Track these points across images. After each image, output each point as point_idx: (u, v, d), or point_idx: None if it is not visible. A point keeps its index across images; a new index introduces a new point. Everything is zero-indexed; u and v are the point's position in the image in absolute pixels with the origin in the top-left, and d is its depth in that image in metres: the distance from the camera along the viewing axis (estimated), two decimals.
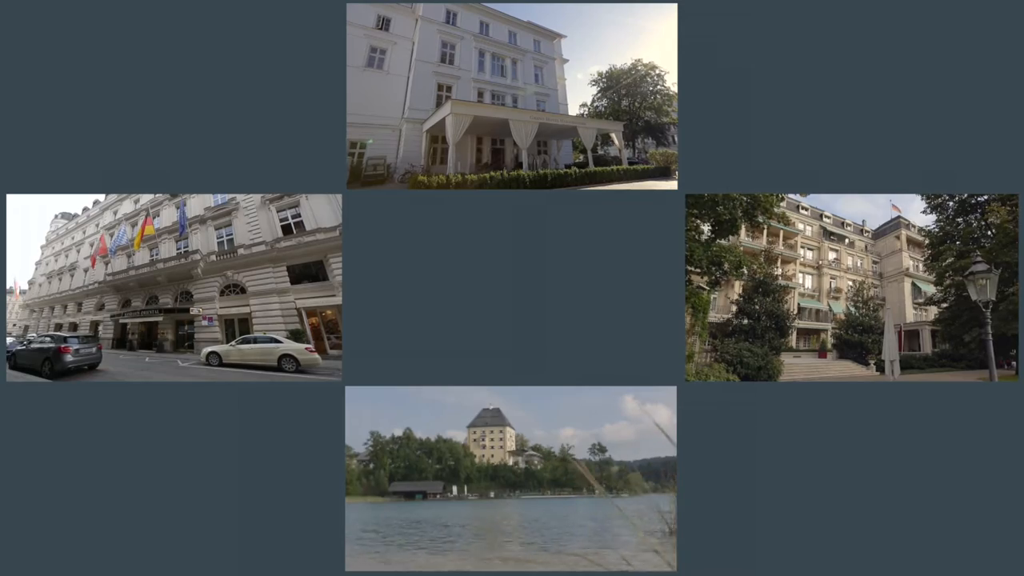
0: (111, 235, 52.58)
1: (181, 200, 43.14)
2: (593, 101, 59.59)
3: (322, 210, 34.78)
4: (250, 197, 39.97)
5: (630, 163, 45.22)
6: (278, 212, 36.55)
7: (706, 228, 25.48)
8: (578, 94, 73.25)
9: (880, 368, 33.79)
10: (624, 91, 55.99)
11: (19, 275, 73.61)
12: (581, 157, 41.59)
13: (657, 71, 54.54)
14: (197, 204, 43.06)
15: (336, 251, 31.00)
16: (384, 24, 36.67)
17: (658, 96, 53.49)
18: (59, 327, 52.98)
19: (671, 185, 38.62)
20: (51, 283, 61.10)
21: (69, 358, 22.87)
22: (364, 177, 33.07)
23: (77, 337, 25.94)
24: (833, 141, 17.79)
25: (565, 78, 50.60)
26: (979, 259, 18.25)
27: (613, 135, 47.31)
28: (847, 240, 53.40)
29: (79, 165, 18.47)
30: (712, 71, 18.05)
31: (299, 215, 35.44)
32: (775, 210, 27.80)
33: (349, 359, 18.31)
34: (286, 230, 35.70)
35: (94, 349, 24.85)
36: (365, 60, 35.31)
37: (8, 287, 67.25)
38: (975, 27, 17.42)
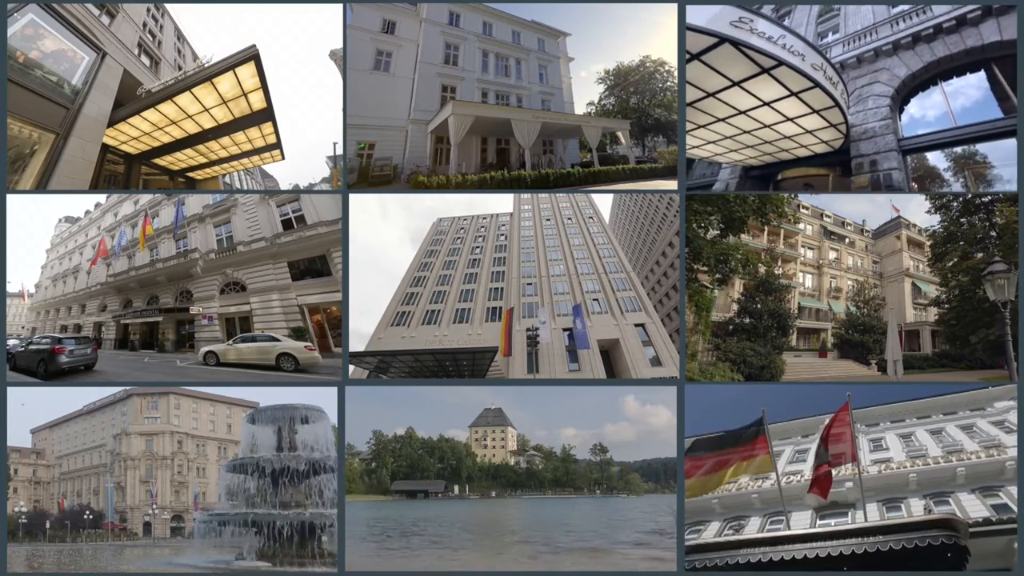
0: (112, 237, 52.71)
1: (178, 199, 43.13)
2: (600, 99, 59.30)
3: (324, 203, 34.71)
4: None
5: (638, 162, 45.09)
6: (278, 207, 36.43)
7: (715, 223, 25.28)
8: (585, 92, 72.18)
9: (881, 368, 33.77)
10: (632, 88, 55.66)
11: (27, 279, 73.80)
12: (588, 156, 41.48)
13: (666, 67, 54.19)
14: (196, 202, 43.06)
15: (339, 245, 30.95)
16: (390, 28, 36.73)
17: (668, 93, 53.27)
18: (64, 329, 53.07)
19: (672, 184, 38.25)
20: (56, 286, 61.30)
21: (63, 359, 22.80)
22: (371, 178, 33.09)
23: (73, 338, 25.91)
24: None
25: (570, 76, 50.49)
26: (997, 259, 18.13)
27: (620, 134, 47.15)
28: (847, 240, 53.40)
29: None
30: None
31: (299, 209, 35.26)
32: (786, 208, 27.68)
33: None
34: (286, 225, 35.53)
35: (89, 350, 24.77)
36: (372, 63, 35.41)
37: (16, 291, 67.14)
38: None
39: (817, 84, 17.26)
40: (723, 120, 20.59)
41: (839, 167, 23.25)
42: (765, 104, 18.99)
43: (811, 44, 17.44)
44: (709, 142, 23.28)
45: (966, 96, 20.08)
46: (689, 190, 29.49)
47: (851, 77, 21.96)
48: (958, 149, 20.38)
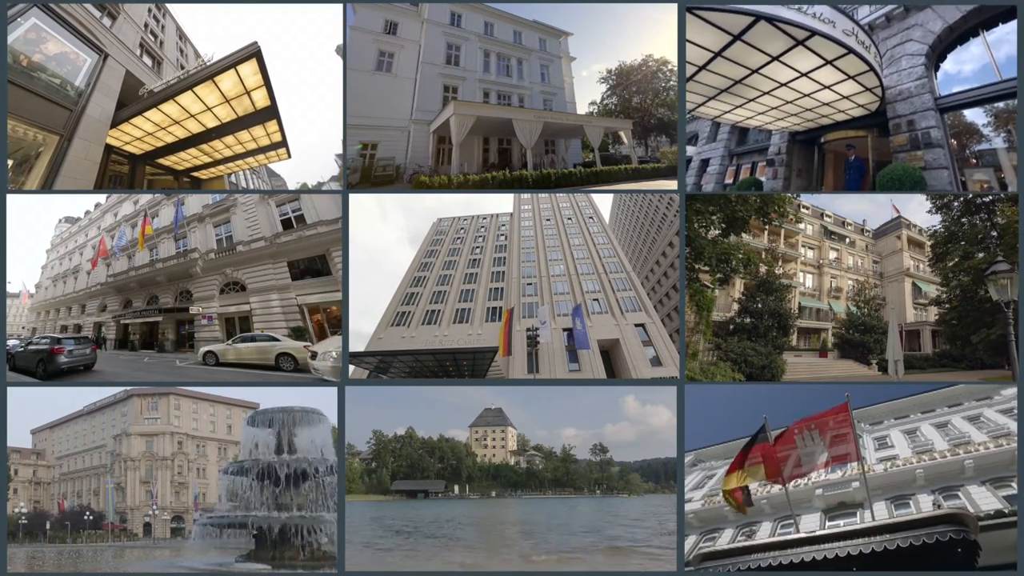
0: (111, 237, 52.64)
1: (178, 199, 43.11)
2: (603, 99, 59.21)
3: (324, 202, 34.65)
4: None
5: (641, 162, 44.97)
6: (277, 207, 36.38)
7: (716, 222, 25.33)
8: (587, 92, 71.89)
9: (882, 368, 33.77)
10: (635, 88, 55.54)
11: (27, 279, 73.71)
12: (591, 156, 41.45)
13: (669, 66, 54.11)
14: (195, 202, 43.03)
15: (339, 244, 30.79)
16: (392, 28, 36.72)
17: (670, 93, 53.18)
18: (64, 329, 52.99)
19: (674, 184, 38.22)
20: (56, 286, 61.21)
21: (62, 359, 22.76)
22: (374, 178, 33.04)
23: (72, 338, 25.90)
24: None
25: (572, 76, 50.43)
26: (1000, 258, 18.02)
27: (622, 133, 47.03)
28: (848, 239, 53.39)
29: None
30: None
31: (299, 208, 35.20)
32: (788, 208, 27.71)
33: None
34: (286, 224, 35.49)
35: (88, 350, 24.73)
36: (374, 64, 35.38)
37: (17, 291, 67.04)
38: None
39: (850, 50, 17.55)
40: (768, 93, 20.98)
41: (876, 128, 23.08)
42: (803, 75, 19.27)
43: (840, 9, 17.61)
44: (759, 113, 23.82)
45: (1011, 44, 18.26)
46: (745, 154, 29.76)
47: (881, 38, 21.45)
48: (1001, 104, 19.33)
